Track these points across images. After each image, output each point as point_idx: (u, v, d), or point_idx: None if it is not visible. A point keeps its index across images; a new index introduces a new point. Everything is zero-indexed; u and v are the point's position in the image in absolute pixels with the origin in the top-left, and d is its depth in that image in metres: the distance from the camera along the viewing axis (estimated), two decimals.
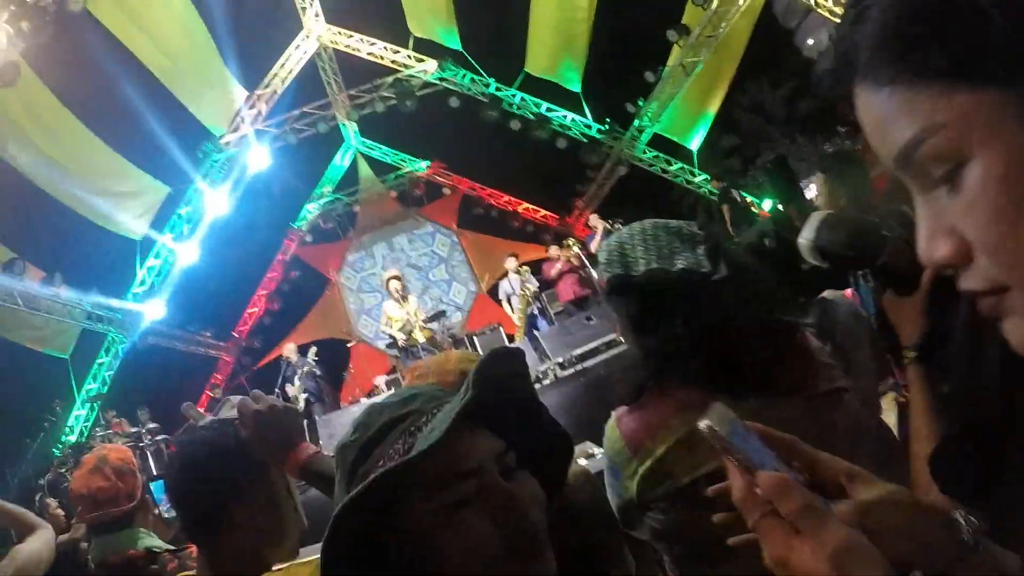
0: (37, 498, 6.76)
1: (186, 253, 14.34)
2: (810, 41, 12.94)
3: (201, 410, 14.21)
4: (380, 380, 12.25)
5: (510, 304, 12.84)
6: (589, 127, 15.32)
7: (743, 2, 10.97)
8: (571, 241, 13.26)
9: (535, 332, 11.10)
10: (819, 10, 10.81)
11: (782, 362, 1.55)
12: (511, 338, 11.98)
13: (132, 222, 13.13)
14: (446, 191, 18.68)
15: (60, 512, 5.31)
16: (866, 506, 0.79)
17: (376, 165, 18.76)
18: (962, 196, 0.59)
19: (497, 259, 14.37)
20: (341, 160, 18.59)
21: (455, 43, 14.42)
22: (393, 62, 15.22)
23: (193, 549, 2.37)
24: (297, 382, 12.33)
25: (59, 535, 4.82)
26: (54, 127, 10.59)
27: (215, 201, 14.46)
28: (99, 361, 13.80)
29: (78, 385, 13.17)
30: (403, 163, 18.72)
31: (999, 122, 0.56)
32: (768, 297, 1.59)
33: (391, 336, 11.48)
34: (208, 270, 14.86)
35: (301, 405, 12.10)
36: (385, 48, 15.18)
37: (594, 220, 13.15)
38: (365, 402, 10.81)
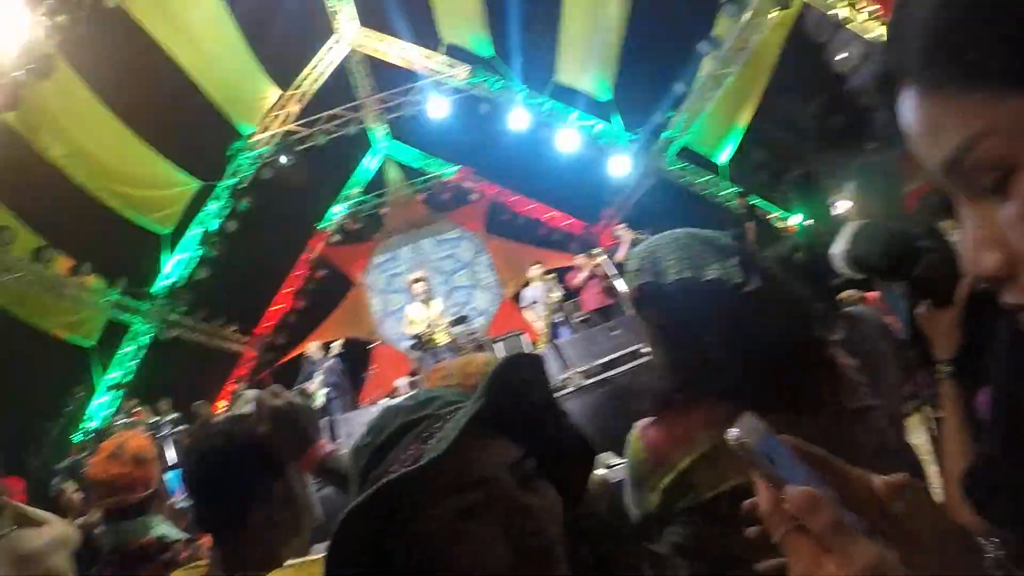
0: (54, 481, 6.83)
1: (213, 249, 14.43)
2: (841, 56, 12.85)
3: (224, 402, 14.33)
4: (401, 382, 12.24)
5: (533, 311, 12.82)
6: (618, 137, 15.28)
7: (775, 15, 10.90)
8: (597, 250, 13.21)
9: (558, 340, 11.06)
10: (850, 25, 10.75)
11: (811, 378, 1.51)
12: (534, 345, 11.95)
13: (161, 216, 13.27)
14: (473, 196, 18.72)
15: (77, 496, 5.36)
16: (897, 492, 0.76)
17: (404, 169, 18.84)
18: (1011, 205, 0.56)
19: (522, 265, 14.34)
20: (370, 162, 18.68)
21: (487, 50, 14.45)
22: (424, 67, 15.27)
23: (206, 540, 2.36)
24: (318, 379, 12.36)
25: (75, 518, 4.87)
26: (87, 119, 10.73)
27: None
28: (123, 351, 13.91)
29: (101, 374, 13.29)
30: (431, 167, 18.77)
31: None
32: (799, 311, 1.56)
33: (413, 338, 11.49)
34: (234, 266, 14.96)
35: (321, 402, 12.14)
36: (417, 53, 15.22)
37: (621, 230, 13.09)
38: (384, 402, 10.83)
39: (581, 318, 12.51)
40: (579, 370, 8.84)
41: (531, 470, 1.01)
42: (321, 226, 18.57)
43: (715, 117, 13.73)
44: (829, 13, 10.95)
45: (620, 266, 11.57)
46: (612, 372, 8.66)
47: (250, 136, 14.54)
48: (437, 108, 14.73)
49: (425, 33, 14.69)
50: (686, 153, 15.34)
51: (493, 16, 13.54)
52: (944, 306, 1.45)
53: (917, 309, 1.53)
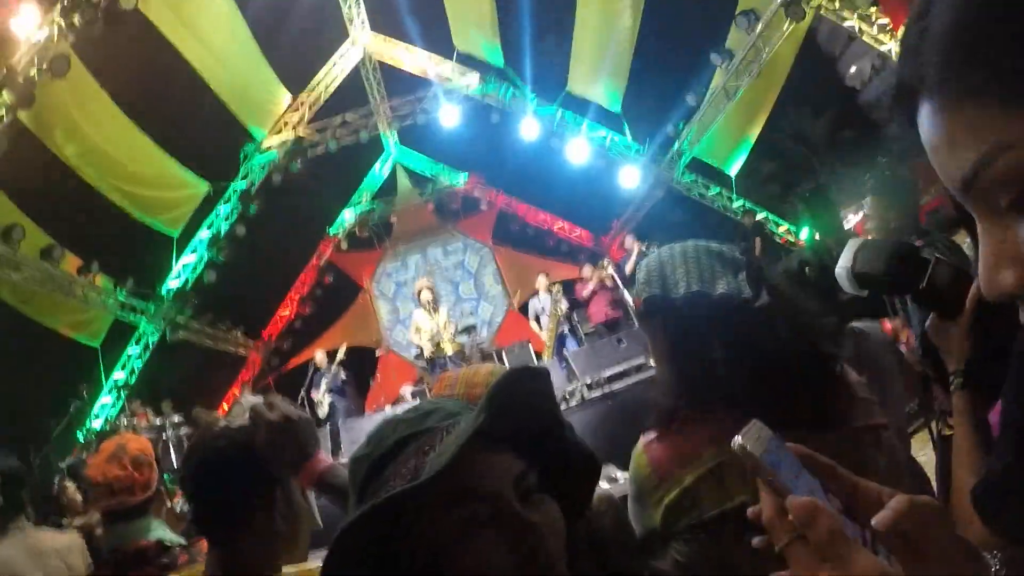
0: (56, 480, 6.83)
1: (222, 252, 14.47)
2: (853, 69, 12.84)
3: (225, 407, 14.33)
4: (406, 390, 12.26)
5: (539, 322, 12.82)
6: (629, 148, 15.29)
7: (787, 28, 10.90)
8: (605, 262, 13.22)
9: (564, 352, 11.06)
10: (863, 37, 10.75)
11: (821, 395, 1.49)
12: (540, 356, 11.96)
13: (170, 217, 13.31)
14: (483, 205, 18.74)
15: (78, 496, 5.36)
16: (904, 516, 0.74)
17: (414, 176, 18.89)
18: None
19: (530, 276, 14.37)
20: (380, 169, 18.73)
21: (498, 59, 14.49)
22: (437, 74, 15.30)
23: (204, 544, 2.35)
24: (323, 386, 12.39)
25: (75, 518, 4.86)
26: (101, 119, 10.77)
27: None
28: (129, 351, 13.94)
29: (106, 374, 13.31)
30: (441, 175, 18.80)
31: None
32: (808, 327, 1.53)
33: (419, 346, 11.50)
34: (242, 270, 14.99)
35: (326, 410, 12.15)
36: (429, 60, 15.27)
37: (630, 242, 13.09)
38: (390, 410, 10.84)
39: (588, 330, 12.52)
40: (585, 382, 8.84)
41: (534, 484, 0.99)
42: (330, 232, 18.60)
43: (726, 129, 13.73)
44: (841, 26, 10.97)
45: (629, 278, 11.57)
46: (618, 385, 8.66)
47: (261, 140, 14.59)
48: (448, 116, 14.77)
49: (438, 41, 14.73)
50: (696, 165, 15.32)
51: (505, 25, 13.57)
52: (952, 317, 1.43)
53: (926, 322, 1.51)
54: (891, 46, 10.68)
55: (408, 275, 18.09)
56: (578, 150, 15.26)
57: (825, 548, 0.70)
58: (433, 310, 11.58)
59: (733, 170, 14.85)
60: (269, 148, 14.67)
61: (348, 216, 18.70)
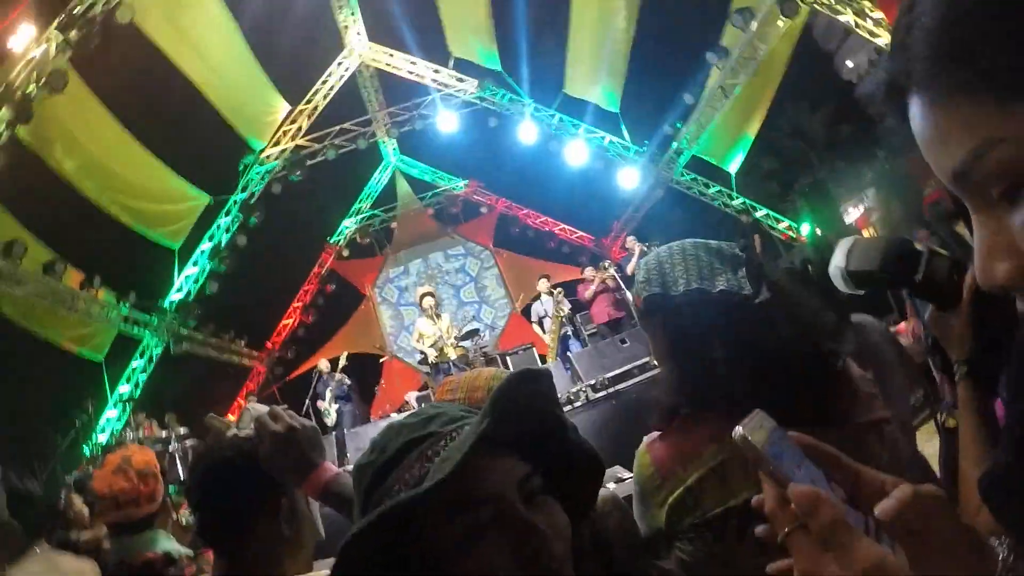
0: (63, 494, 6.82)
1: (223, 263, 14.49)
2: (849, 63, 12.87)
3: (231, 417, 14.36)
4: (411, 396, 12.26)
5: (542, 325, 12.82)
6: (627, 149, 15.29)
7: (783, 24, 10.90)
8: (607, 263, 13.21)
9: (568, 353, 11.05)
10: (858, 31, 10.75)
11: (822, 392, 1.48)
12: (543, 359, 11.95)
13: (172, 230, 13.33)
14: (483, 210, 18.77)
15: (85, 509, 5.34)
16: (908, 505, 0.74)
17: (414, 182, 18.91)
18: (1021, 214, 0.55)
19: (532, 279, 14.36)
20: (380, 176, 18.76)
21: (495, 63, 14.51)
22: (434, 81, 15.34)
23: (210, 554, 2.35)
24: (328, 395, 12.40)
25: (82, 532, 4.86)
26: (99, 133, 10.80)
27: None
28: (133, 364, 13.94)
29: (111, 387, 13.31)
30: (441, 181, 18.82)
31: None
32: (809, 323, 1.53)
33: (423, 352, 11.50)
34: (244, 281, 15.01)
35: (333, 418, 12.16)
36: (426, 67, 15.30)
37: (631, 242, 13.08)
38: (395, 417, 10.82)
39: (591, 331, 12.51)
40: (589, 383, 8.83)
41: (538, 487, 0.99)
42: (331, 240, 18.62)
43: (724, 127, 13.73)
44: (837, 21, 10.96)
45: (630, 278, 11.57)
46: (622, 385, 8.64)
47: (261, 151, 14.62)
48: (446, 122, 14.79)
49: (434, 47, 14.77)
50: (695, 163, 15.32)
51: (501, 30, 13.60)
52: (950, 308, 1.42)
53: (927, 315, 1.50)
54: (886, 40, 10.67)
55: (410, 281, 18.11)
56: (577, 152, 15.28)
57: (827, 536, 0.70)
58: (436, 316, 11.57)
59: (732, 167, 14.84)
60: (268, 159, 14.70)
61: (349, 224, 18.72)
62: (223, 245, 14.60)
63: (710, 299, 1.50)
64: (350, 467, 1.48)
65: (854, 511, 0.76)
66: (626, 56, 13.18)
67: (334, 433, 11.12)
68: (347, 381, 12.86)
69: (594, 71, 13.83)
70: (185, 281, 14.30)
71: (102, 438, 12.50)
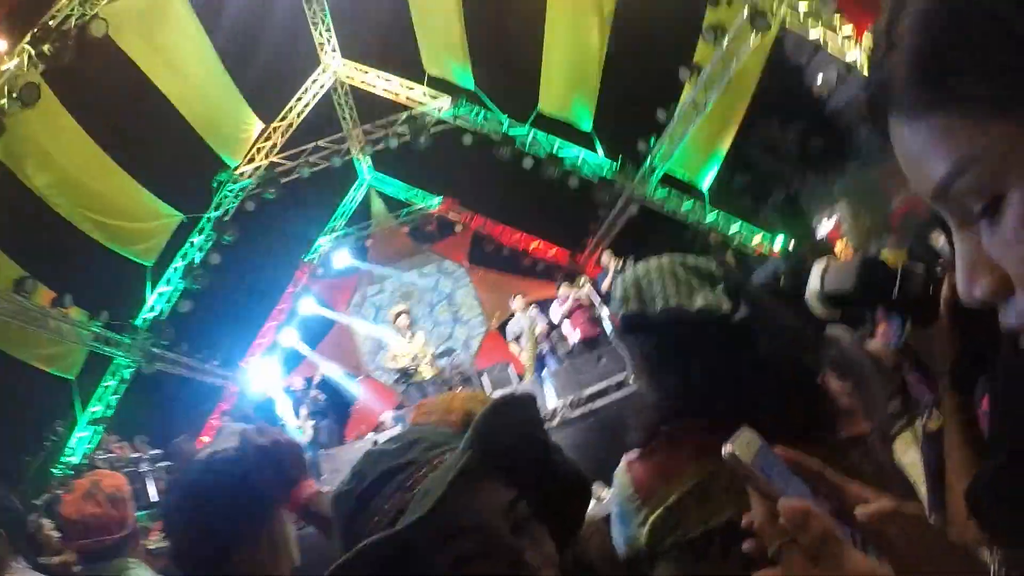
0: (32, 518, 6.70)
1: (197, 281, 14.37)
2: (820, 78, 12.98)
3: (205, 439, 14.19)
4: (387, 415, 12.19)
5: (518, 343, 12.80)
6: (601, 166, 15.35)
7: (754, 40, 11.01)
8: (582, 280, 13.23)
9: (544, 371, 11.05)
10: (828, 48, 10.88)
11: (804, 408, 1.48)
12: (520, 377, 11.92)
13: (144, 248, 13.21)
14: (458, 228, 18.73)
15: (55, 534, 5.25)
16: (888, 517, 0.75)
17: (388, 200, 18.87)
18: (1002, 229, 0.55)
19: (507, 297, 14.35)
20: (354, 195, 18.70)
21: (469, 82, 14.56)
22: (408, 98, 15.35)
23: None
24: (303, 412, 12.30)
25: (53, 557, 4.76)
26: (72, 149, 10.70)
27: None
28: (105, 384, 13.76)
29: (83, 407, 13.13)
30: (415, 199, 18.80)
31: None
32: (789, 339, 1.52)
33: (397, 371, 11.45)
34: (218, 299, 14.89)
35: (309, 435, 12.05)
36: (400, 85, 15.32)
37: (606, 258, 13.12)
38: (371, 437, 10.76)
39: (567, 349, 12.51)
40: (566, 401, 8.83)
41: (525, 513, 0.97)
42: (306, 258, 18.52)
43: (697, 143, 13.81)
44: (807, 37, 11.09)
45: (606, 295, 11.60)
46: (599, 403, 8.65)
47: (234, 168, 14.54)
48: (420, 140, 14.78)
49: (409, 65, 14.78)
50: (669, 179, 15.39)
51: (475, 48, 13.64)
52: (928, 323, 1.43)
53: (905, 330, 1.50)
54: (856, 55, 10.83)
55: (385, 300, 18.02)
56: (550, 169, 15.30)
57: (817, 549, 0.70)
58: (409, 335, 11.54)
59: (705, 183, 14.94)
60: (242, 176, 14.63)
61: (324, 243, 18.64)
62: (196, 263, 14.47)
63: (689, 317, 1.50)
64: (325, 489, 1.46)
65: (841, 525, 0.76)
66: (599, 74, 13.25)
67: (308, 453, 11.03)
68: (322, 397, 12.77)
69: (568, 89, 13.90)
70: (158, 299, 14.17)
71: (72, 460, 12.31)
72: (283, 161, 14.87)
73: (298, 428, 12.13)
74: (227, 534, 1.57)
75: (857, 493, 0.79)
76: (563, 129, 15.06)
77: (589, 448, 7.63)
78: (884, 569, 0.70)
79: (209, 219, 14.53)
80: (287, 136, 14.95)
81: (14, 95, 8.98)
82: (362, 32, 13.82)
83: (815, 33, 10.93)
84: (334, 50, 14.77)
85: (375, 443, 1.21)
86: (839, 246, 10.62)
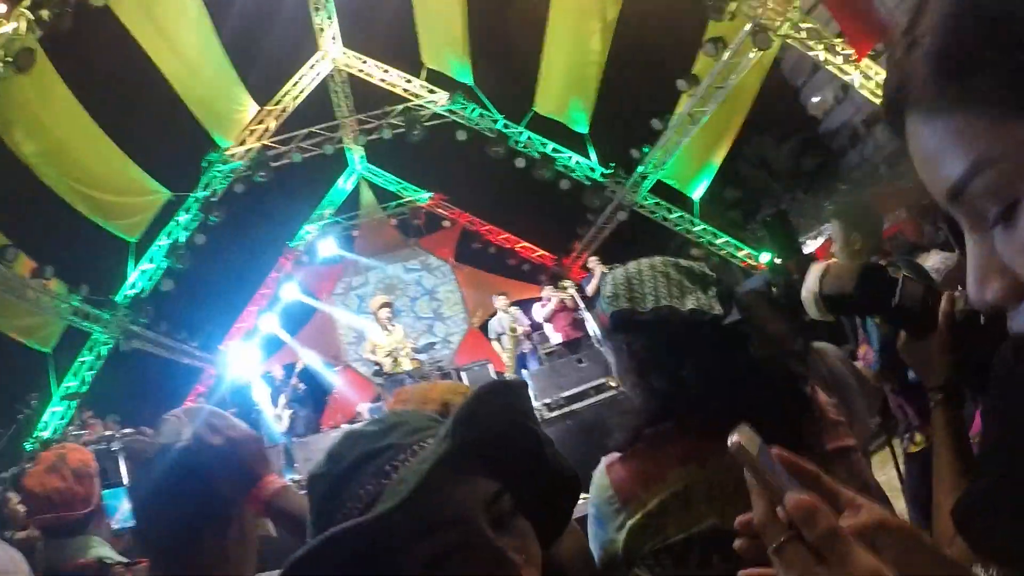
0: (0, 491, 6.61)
1: (180, 261, 14.25)
2: (815, 99, 13.06)
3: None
4: (364, 407, 12.13)
5: (500, 342, 12.77)
6: (593, 170, 15.36)
7: (754, 55, 11.04)
8: (566, 282, 13.23)
9: (525, 371, 11.02)
10: (828, 67, 10.92)
11: (792, 416, 1.46)
12: (500, 375, 11.89)
13: (129, 224, 13.09)
14: (446, 223, 18.71)
15: (21, 508, 5.16)
16: (880, 527, 0.74)
17: (378, 192, 18.81)
18: (1016, 234, 0.55)
19: (491, 295, 14.32)
20: (344, 183, 18.62)
21: (467, 77, 14.54)
22: (405, 91, 15.31)
23: (146, 563, 2.23)
24: (282, 400, 12.21)
25: (17, 532, 4.68)
26: (63, 118, 10.59)
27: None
28: (81, 359, 13.61)
29: (58, 381, 12.99)
30: (405, 192, 18.74)
31: None
32: (779, 346, 1.50)
33: (376, 363, 11.39)
34: (201, 280, 14.79)
35: (286, 424, 11.96)
36: (398, 76, 15.27)
37: (592, 263, 13.13)
38: (346, 427, 10.69)
39: (548, 350, 12.50)
40: (544, 402, 8.81)
41: (508, 508, 0.91)
42: (291, 244, 18.42)
43: (690, 154, 13.86)
44: (806, 56, 11.14)
45: (590, 299, 11.61)
46: (578, 405, 8.63)
47: (225, 149, 14.43)
48: (415, 132, 14.73)
49: (408, 57, 14.74)
50: (660, 188, 15.42)
51: (476, 44, 13.62)
52: (924, 335, 1.41)
53: (899, 342, 1.49)
54: (855, 76, 10.88)
55: (368, 291, 17.95)
56: (542, 170, 15.29)
57: (823, 547, 0.67)
58: (390, 327, 11.48)
59: (696, 194, 14.98)
60: (233, 157, 14.52)
61: (310, 230, 18.55)
62: (181, 242, 14.35)
63: (680, 317, 1.47)
64: (298, 476, 1.40)
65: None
66: (598, 79, 13.26)
67: (282, 442, 10.96)
68: (302, 386, 12.68)
69: (565, 91, 13.91)
70: (140, 277, 14.02)
71: (45, 434, 12.18)
72: (275, 145, 14.76)
73: (275, 416, 12.05)
74: (193, 524, 1.52)
75: (850, 500, 0.77)
76: (558, 131, 15.04)
77: (566, 450, 7.53)
78: (890, 571, 0.67)
79: (196, 199, 14.40)
80: (281, 120, 14.85)
81: (9, 59, 8.86)
82: (363, 21, 13.77)
83: (816, 53, 10.98)
84: (333, 37, 14.69)
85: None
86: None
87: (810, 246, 14.64)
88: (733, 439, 0.74)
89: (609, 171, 15.13)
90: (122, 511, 5.37)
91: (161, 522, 1.53)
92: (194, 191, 14.32)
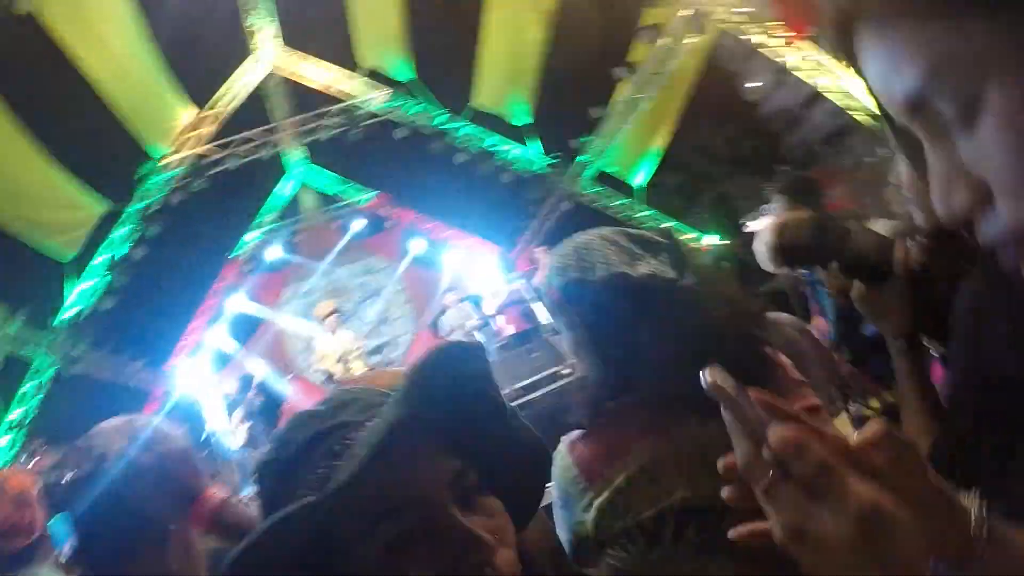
0: None
1: (119, 278, 13.89)
2: (752, 84, 13.23)
3: None
4: None
5: (452, 338, 12.72)
6: (534, 162, 15.36)
7: (690, 41, 11.12)
8: (514, 275, 13.23)
9: None
10: (764, 51, 11.04)
11: (755, 377, 1.41)
12: None
13: (64, 240, 12.69)
14: (389, 223, 18.54)
15: None
16: (883, 442, 0.66)
17: (319, 195, 18.58)
18: (977, 136, 0.53)
19: (438, 293, 14.25)
20: (284, 188, 18.34)
21: (405, 74, 14.41)
22: (342, 90, 15.12)
23: None
24: (239, 413, 11.96)
25: None
26: None
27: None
28: (23, 389, 13.19)
29: (2, 412, 12.58)
30: (347, 194, 18.54)
31: (1017, 52, 0.50)
32: (736, 307, 1.46)
33: (327, 371, 11.25)
34: (143, 297, 14.45)
35: (243, 437, 11.72)
36: (335, 75, 15.08)
37: (539, 253, 13.14)
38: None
39: (500, 343, 12.49)
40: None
41: (474, 484, 0.84)
42: (233, 254, 18.08)
43: (631, 141, 13.93)
44: (743, 39, 11.24)
45: (538, 289, 11.62)
46: (532, 395, 8.62)
47: (160, 159, 14.09)
48: (354, 132, 14.58)
49: (344, 55, 14.57)
50: (602, 177, 15.48)
51: (413, 41, 13.53)
52: (879, 283, 1.39)
53: (855, 294, 1.47)
54: (791, 59, 11.02)
55: (314, 296, 17.71)
56: (484, 165, 15.26)
57: (815, 480, 0.62)
58: (337, 332, 11.35)
59: (638, 180, 15.07)
60: (168, 166, 14.18)
61: (252, 237, 18.23)
62: (119, 258, 13.98)
63: (633, 283, 1.41)
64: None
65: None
66: (536, 69, 13.25)
67: (237, 456, 10.79)
68: (259, 399, 12.46)
69: (504, 84, 13.88)
70: (79, 297, 13.63)
71: None
72: (211, 152, 14.46)
73: (229, 431, 11.81)
74: (128, 541, 1.42)
75: (835, 439, 0.69)
76: (498, 124, 15.00)
77: None
78: (888, 499, 0.61)
79: (133, 211, 14.03)
80: (216, 126, 14.55)
81: None
82: (298, 21, 13.56)
83: (753, 37, 11.09)
84: (268, 39, 14.44)
85: None
86: None
87: (752, 227, 14.84)
88: (707, 376, 0.70)
89: (550, 162, 15.15)
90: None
91: (95, 545, 1.44)
92: (130, 203, 13.95)
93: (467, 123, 15.14)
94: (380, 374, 1.64)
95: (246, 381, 12.77)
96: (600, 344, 1.48)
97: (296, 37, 14.41)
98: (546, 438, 1.72)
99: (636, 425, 1.39)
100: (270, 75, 14.88)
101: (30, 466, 10.17)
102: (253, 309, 17.09)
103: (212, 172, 14.35)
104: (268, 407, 13.39)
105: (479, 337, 12.32)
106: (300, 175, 18.18)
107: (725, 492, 0.72)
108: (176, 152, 14.22)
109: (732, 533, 0.75)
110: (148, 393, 16.49)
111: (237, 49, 14.36)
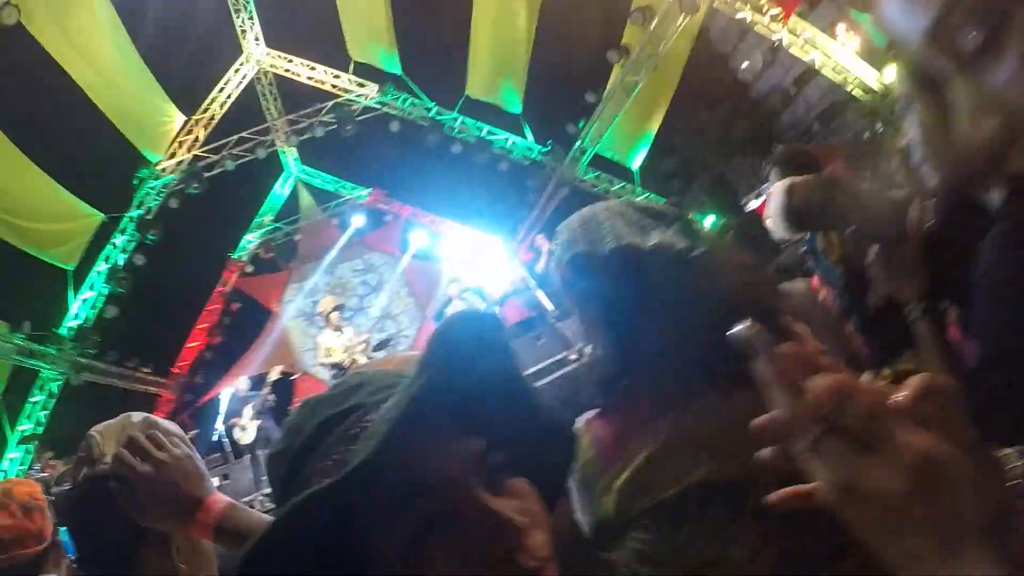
0: None
1: (121, 285, 13.87)
2: (745, 63, 13.20)
3: None
4: None
5: None
6: (531, 149, 15.30)
7: (682, 21, 11.05)
8: (515, 264, 13.23)
9: None
10: (756, 28, 10.99)
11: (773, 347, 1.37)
12: None
13: (64, 251, 12.68)
14: (387, 218, 18.50)
15: None
16: (928, 392, 0.61)
17: (317, 193, 18.54)
18: (1004, 61, 0.51)
19: (441, 285, 14.22)
20: (281, 188, 18.32)
21: (396, 67, 14.36)
22: (334, 87, 15.08)
23: None
24: (249, 411, 11.92)
25: None
26: None
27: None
28: (33, 399, 13.19)
29: (11, 425, 12.58)
30: (344, 191, 18.50)
31: None
32: (750, 276, 1.41)
33: (332, 367, 11.22)
34: (145, 303, 14.43)
35: (252, 435, 11.68)
36: (325, 72, 15.04)
37: (540, 241, 13.12)
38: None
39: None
40: None
41: (500, 465, 0.78)
42: (234, 256, 18.07)
43: (626, 124, 13.87)
44: (735, 18, 11.18)
45: (541, 277, 11.61)
46: (539, 382, 8.60)
47: (156, 164, 14.05)
48: (348, 128, 14.54)
49: (335, 52, 14.52)
50: (599, 161, 15.43)
51: (402, 33, 13.47)
52: (896, 246, 1.35)
53: (869, 258, 1.43)
54: (782, 35, 10.96)
55: (317, 295, 17.70)
56: (480, 154, 15.21)
57: (868, 430, 0.58)
58: (340, 329, 11.33)
59: (635, 164, 15.02)
60: (164, 172, 14.16)
61: (251, 238, 18.22)
62: (120, 265, 13.97)
63: (643, 255, 1.36)
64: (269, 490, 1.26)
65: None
66: (527, 57, 13.19)
67: (248, 455, 10.78)
68: (271, 398, 12.41)
69: (496, 72, 13.83)
70: (82, 306, 13.62)
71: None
72: (206, 155, 14.43)
73: (240, 427, 11.79)
74: (127, 544, 1.39)
75: (875, 392, 0.64)
76: (492, 113, 14.94)
77: None
78: (942, 448, 0.57)
79: (131, 218, 14.01)
80: (210, 128, 14.53)
81: None
82: (286, 19, 13.53)
83: (743, 14, 11.03)
84: (257, 38, 14.39)
85: None
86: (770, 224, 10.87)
87: (752, 204, 14.80)
88: (741, 332, 0.69)
89: (547, 149, 15.09)
90: None
91: (94, 555, 1.40)
92: (128, 210, 13.92)
93: (461, 114, 15.08)
94: (390, 359, 1.58)
95: (256, 380, 12.74)
96: (612, 318, 1.42)
97: (285, 36, 14.35)
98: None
99: (654, 401, 1.33)
100: (260, 75, 14.84)
101: (41, 476, 10.22)
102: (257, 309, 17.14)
103: (208, 175, 14.30)
104: (279, 405, 13.41)
105: None
106: (296, 174, 18.17)
107: (764, 453, 0.67)
108: (171, 157, 14.20)
109: (772, 497, 0.70)
110: (156, 398, 16.53)
111: (226, 51, 14.33)
